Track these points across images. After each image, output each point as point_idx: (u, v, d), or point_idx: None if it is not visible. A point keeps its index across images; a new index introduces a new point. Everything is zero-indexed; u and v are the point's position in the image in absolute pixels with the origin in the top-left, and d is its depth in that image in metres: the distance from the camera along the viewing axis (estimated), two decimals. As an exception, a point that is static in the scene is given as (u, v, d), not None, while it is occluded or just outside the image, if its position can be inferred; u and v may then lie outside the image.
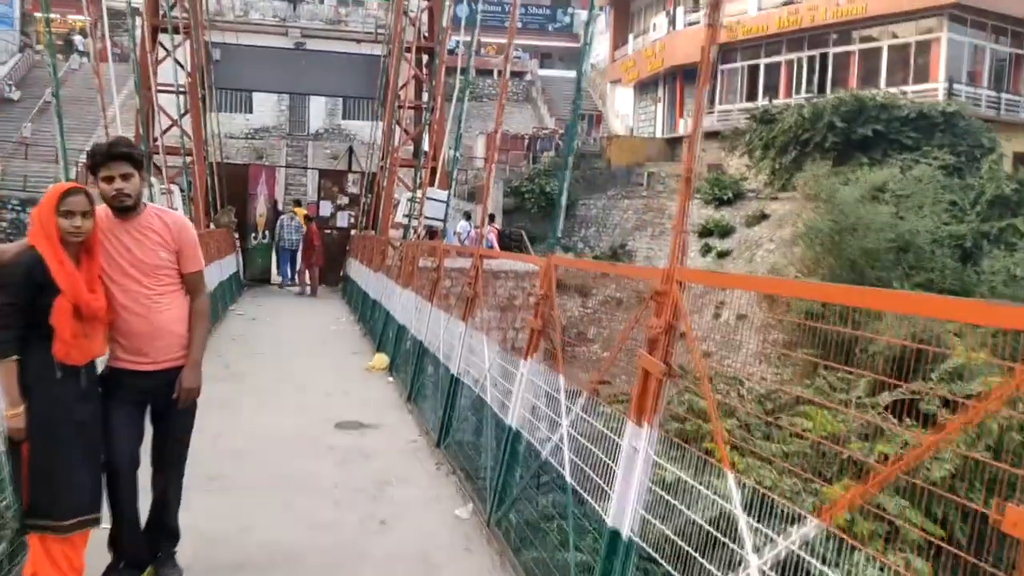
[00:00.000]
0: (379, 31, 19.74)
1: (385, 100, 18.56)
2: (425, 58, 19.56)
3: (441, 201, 9.16)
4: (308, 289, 19.19)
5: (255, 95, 40.82)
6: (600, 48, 45.94)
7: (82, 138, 28.30)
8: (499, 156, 35.80)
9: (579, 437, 3.84)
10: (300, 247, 19.45)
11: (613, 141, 35.44)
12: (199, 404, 3.89)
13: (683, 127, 35.08)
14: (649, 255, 30.23)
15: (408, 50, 18.00)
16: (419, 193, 12.10)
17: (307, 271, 19.25)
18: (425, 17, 19.16)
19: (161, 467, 3.85)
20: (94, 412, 3.47)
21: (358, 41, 20.09)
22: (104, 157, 3.52)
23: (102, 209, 3.55)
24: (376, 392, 8.90)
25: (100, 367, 3.63)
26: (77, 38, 43.72)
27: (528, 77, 47.34)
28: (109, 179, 3.51)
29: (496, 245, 18.38)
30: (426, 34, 19.00)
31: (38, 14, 45.11)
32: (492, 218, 20.96)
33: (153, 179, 9.91)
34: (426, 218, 9.63)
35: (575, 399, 4.02)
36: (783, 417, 10.64)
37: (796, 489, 5.77)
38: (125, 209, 3.58)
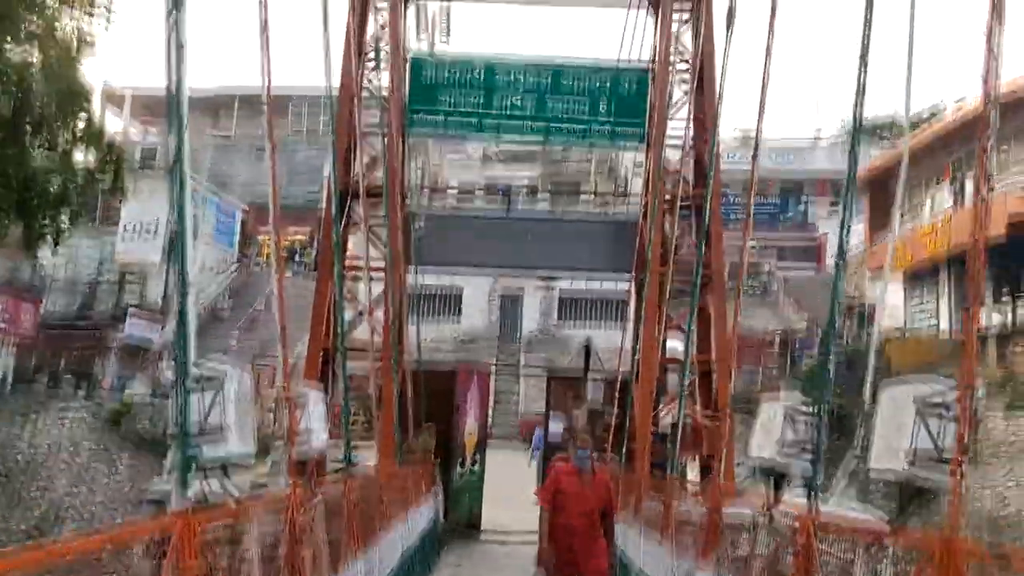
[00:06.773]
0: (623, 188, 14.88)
1: (640, 265, 13.42)
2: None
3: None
4: None
5: (464, 299, 37.83)
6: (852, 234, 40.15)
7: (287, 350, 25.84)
8: (737, 360, 29.77)
9: None
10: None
11: (893, 342, 28.61)
12: None
13: (986, 321, 27.56)
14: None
15: (670, 203, 12.94)
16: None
17: None
18: (692, 165, 14.05)
19: None
20: None
21: (596, 193, 15.32)
22: None
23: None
24: None
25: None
26: (296, 251, 43.87)
27: (766, 272, 41.82)
28: None
29: None
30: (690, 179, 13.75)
31: (261, 237, 45.86)
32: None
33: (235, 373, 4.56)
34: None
35: None
36: None
37: None
38: None
